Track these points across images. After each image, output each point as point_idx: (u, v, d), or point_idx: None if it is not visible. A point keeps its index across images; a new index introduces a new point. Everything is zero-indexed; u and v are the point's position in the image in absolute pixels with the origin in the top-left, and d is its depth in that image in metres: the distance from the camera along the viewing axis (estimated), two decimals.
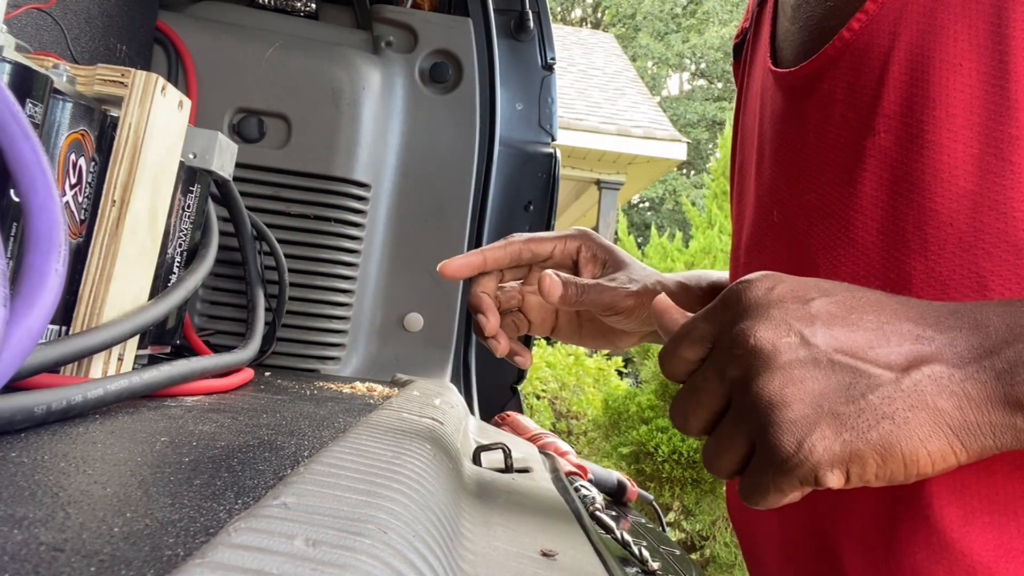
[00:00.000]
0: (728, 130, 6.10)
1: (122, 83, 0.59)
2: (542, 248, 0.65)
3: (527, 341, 1.43)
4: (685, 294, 0.67)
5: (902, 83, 0.46)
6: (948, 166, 0.44)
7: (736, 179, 0.65)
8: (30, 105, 0.51)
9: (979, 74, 0.44)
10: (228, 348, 0.80)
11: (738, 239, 0.62)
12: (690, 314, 0.52)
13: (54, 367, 0.50)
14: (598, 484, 0.95)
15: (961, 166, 0.44)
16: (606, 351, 5.43)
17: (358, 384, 0.86)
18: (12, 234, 0.52)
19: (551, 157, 1.31)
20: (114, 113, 0.61)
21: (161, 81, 0.60)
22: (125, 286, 0.60)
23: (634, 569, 0.60)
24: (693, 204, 6.21)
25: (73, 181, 0.57)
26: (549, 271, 0.60)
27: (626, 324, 0.64)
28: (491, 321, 0.62)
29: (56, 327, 0.57)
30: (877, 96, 0.47)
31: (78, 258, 0.58)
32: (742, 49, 0.67)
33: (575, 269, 0.66)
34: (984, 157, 0.43)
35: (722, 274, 0.74)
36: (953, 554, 0.43)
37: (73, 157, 0.57)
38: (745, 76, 0.65)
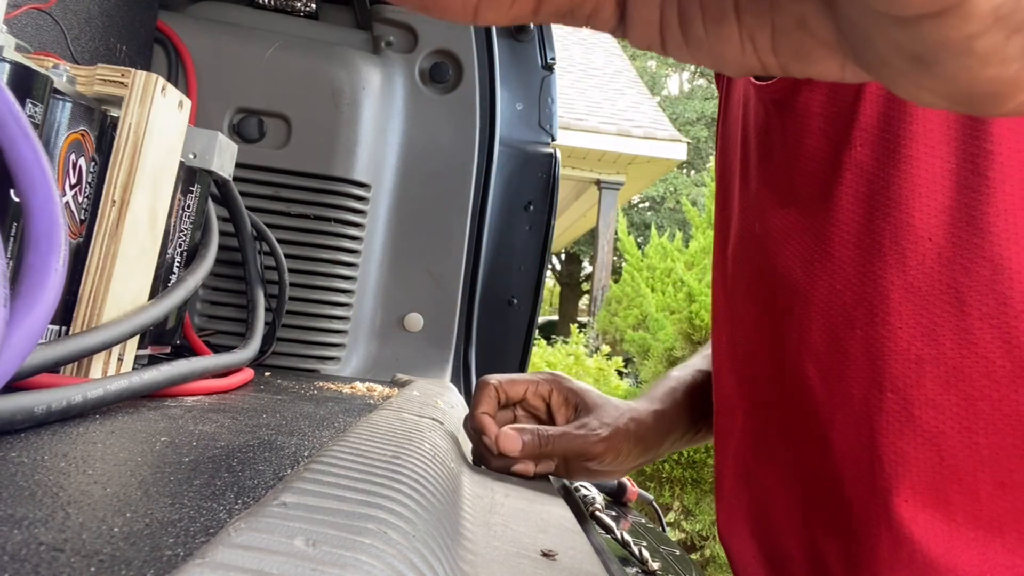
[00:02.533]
0: None
1: (122, 83, 0.59)
2: (514, 391, 0.66)
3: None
4: (659, 422, 0.68)
5: (879, 96, 0.46)
6: (925, 180, 0.44)
7: (720, 188, 0.65)
8: (30, 105, 0.51)
9: None
10: (228, 348, 0.80)
11: (723, 247, 0.62)
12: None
13: (54, 367, 0.50)
14: (598, 484, 0.95)
15: (938, 180, 0.44)
16: (606, 353, 5.43)
17: (358, 384, 0.86)
18: (12, 234, 0.52)
19: (551, 157, 1.31)
20: (114, 113, 0.61)
21: (161, 81, 0.60)
22: (125, 286, 0.60)
23: (634, 569, 0.60)
24: (693, 203, 6.21)
25: (73, 181, 0.57)
26: (507, 427, 0.62)
27: (601, 466, 0.65)
28: (493, 428, 0.62)
29: (56, 327, 0.57)
30: (854, 109, 0.47)
31: (78, 258, 0.58)
32: None
33: (548, 412, 0.67)
34: (961, 172, 0.43)
35: (694, 366, 0.75)
36: (938, 570, 0.44)
37: (73, 157, 0.57)
38: (726, 84, 0.65)
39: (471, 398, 0.66)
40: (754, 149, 0.56)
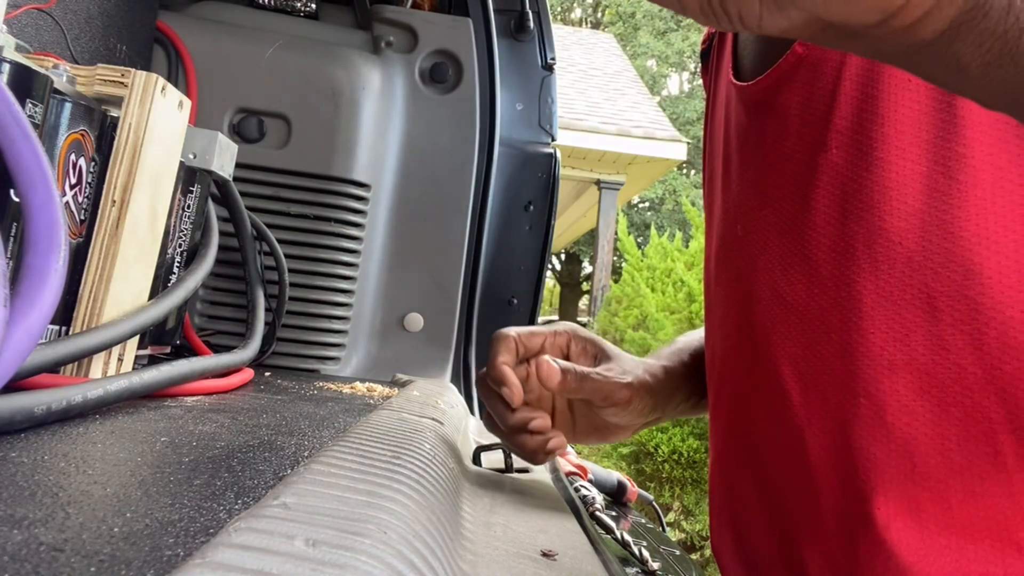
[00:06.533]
0: None
1: (122, 83, 0.59)
2: (533, 343, 0.64)
3: None
4: (668, 378, 0.67)
5: (853, 99, 0.46)
6: (897, 184, 0.44)
7: (707, 190, 0.65)
8: (30, 105, 0.51)
9: (927, 91, 0.43)
10: (228, 348, 0.80)
11: (709, 250, 0.62)
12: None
13: (54, 367, 0.50)
14: (598, 484, 0.95)
15: (909, 184, 0.43)
16: None
17: (358, 384, 0.86)
18: (12, 234, 0.52)
19: (551, 157, 1.31)
20: (114, 113, 0.61)
21: (161, 81, 0.60)
22: (125, 286, 0.60)
23: (634, 569, 0.60)
24: (693, 204, 6.22)
25: (73, 181, 0.57)
26: (546, 356, 0.60)
27: (620, 417, 0.64)
28: (516, 393, 0.59)
29: (56, 327, 0.57)
30: (830, 112, 0.47)
31: (78, 258, 0.58)
32: (710, 55, 0.67)
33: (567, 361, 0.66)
34: (932, 175, 0.43)
35: (700, 334, 0.74)
36: None
37: (73, 157, 0.57)
38: (712, 83, 0.64)
39: (474, 388, 0.65)
40: (735, 150, 0.56)
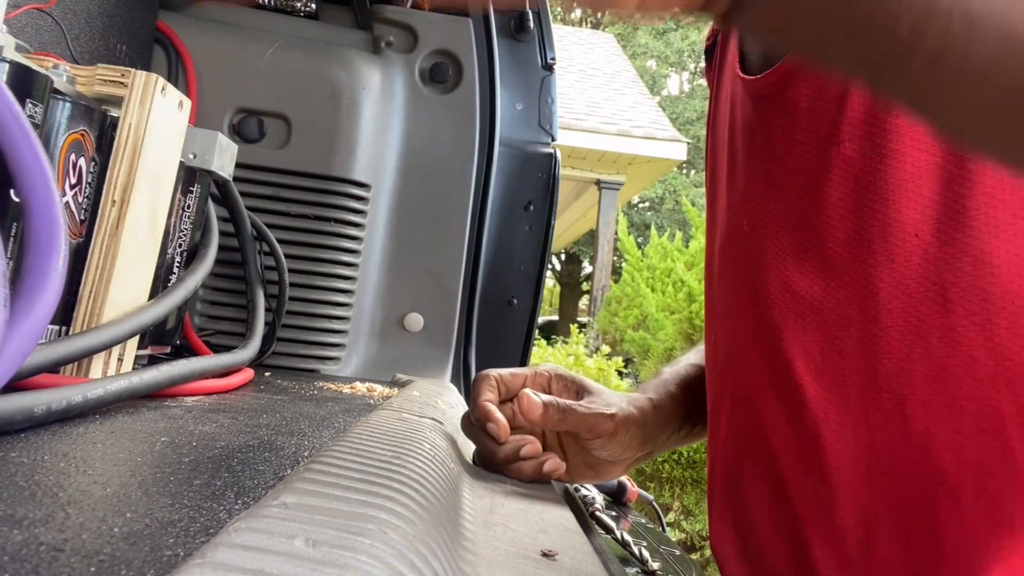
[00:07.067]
0: None
1: (122, 83, 0.59)
2: (514, 382, 0.65)
3: None
4: (656, 411, 0.68)
5: (865, 91, 0.46)
6: (911, 175, 0.44)
7: (709, 185, 0.65)
8: (30, 105, 0.51)
9: None
10: (228, 348, 0.80)
11: (711, 247, 0.62)
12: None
13: (54, 367, 0.50)
14: (598, 484, 0.95)
15: (924, 175, 0.43)
16: (606, 353, 5.43)
17: (358, 384, 0.86)
18: (12, 234, 0.52)
19: (551, 157, 1.31)
20: (114, 113, 0.61)
21: (161, 81, 0.60)
22: (125, 286, 0.60)
23: (634, 569, 0.60)
24: (693, 204, 6.22)
25: (73, 181, 0.57)
26: (527, 390, 0.60)
27: (609, 450, 0.64)
28: (502, 427, 0.60)
29: (56, 327, 0.57)
30: (841, 105, 0.47)
31: (78, 258, 0.58)
32: (714, 51, 0.67)
33: None
34: (946, 166, 0.43)
35: (687, 360, 0.74)
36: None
37: (73, 157, 0.57)
38: (716, 79, 0.64)
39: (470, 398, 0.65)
40: (741, 146, 0.56)
